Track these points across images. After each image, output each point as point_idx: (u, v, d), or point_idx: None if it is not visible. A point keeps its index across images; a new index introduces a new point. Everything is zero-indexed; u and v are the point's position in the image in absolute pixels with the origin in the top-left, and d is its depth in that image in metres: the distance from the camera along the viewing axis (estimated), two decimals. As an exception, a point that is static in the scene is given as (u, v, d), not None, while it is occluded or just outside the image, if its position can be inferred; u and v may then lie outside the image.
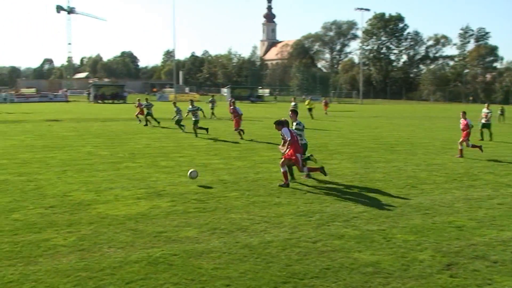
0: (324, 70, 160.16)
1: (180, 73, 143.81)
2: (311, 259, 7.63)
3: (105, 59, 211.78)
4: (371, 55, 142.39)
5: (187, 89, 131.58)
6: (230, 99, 26.36)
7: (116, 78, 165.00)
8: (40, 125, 31.94)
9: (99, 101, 78.44)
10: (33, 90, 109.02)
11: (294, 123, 14.37)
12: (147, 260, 7.45)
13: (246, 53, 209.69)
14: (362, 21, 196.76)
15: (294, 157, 12.92)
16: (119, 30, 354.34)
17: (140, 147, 20.81)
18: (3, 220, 9.47)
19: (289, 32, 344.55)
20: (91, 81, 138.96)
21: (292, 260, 7.57)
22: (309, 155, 14.31)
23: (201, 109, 26.25)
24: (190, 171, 13.35)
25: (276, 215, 10.08)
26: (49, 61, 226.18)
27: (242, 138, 24.27)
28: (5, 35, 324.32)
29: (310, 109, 44.27)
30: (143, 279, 6.76)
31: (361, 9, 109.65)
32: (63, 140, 23.32)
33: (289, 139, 12.92)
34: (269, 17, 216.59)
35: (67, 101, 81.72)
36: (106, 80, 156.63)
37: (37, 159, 17.18)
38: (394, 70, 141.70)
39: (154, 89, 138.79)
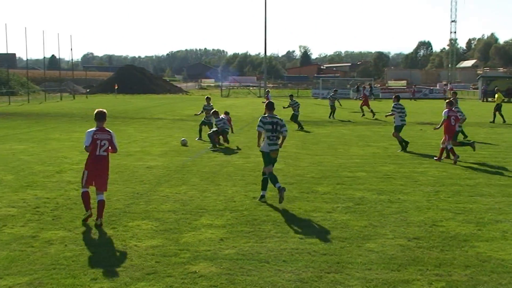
0: None
1: None
2: None
3: (501, 40, 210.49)
4: None
5: None
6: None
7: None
8: (408, 130, 33.27)
9: (489, 99, 76.71)
10: (402, 82, 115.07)
11: None
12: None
13: None
14: None
15: None
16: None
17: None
18: (356, 250, 10.28)
19: None
20: (480, 72, 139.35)
21: None
22: None
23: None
24: None
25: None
26: (425, 44, 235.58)
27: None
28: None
29: None
30: None
31: None
32: (429, 148, 23.51)
33: None
34: None
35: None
36: (500, 70, 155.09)
37: (402, 173, 18.10)
38: None
39: None
